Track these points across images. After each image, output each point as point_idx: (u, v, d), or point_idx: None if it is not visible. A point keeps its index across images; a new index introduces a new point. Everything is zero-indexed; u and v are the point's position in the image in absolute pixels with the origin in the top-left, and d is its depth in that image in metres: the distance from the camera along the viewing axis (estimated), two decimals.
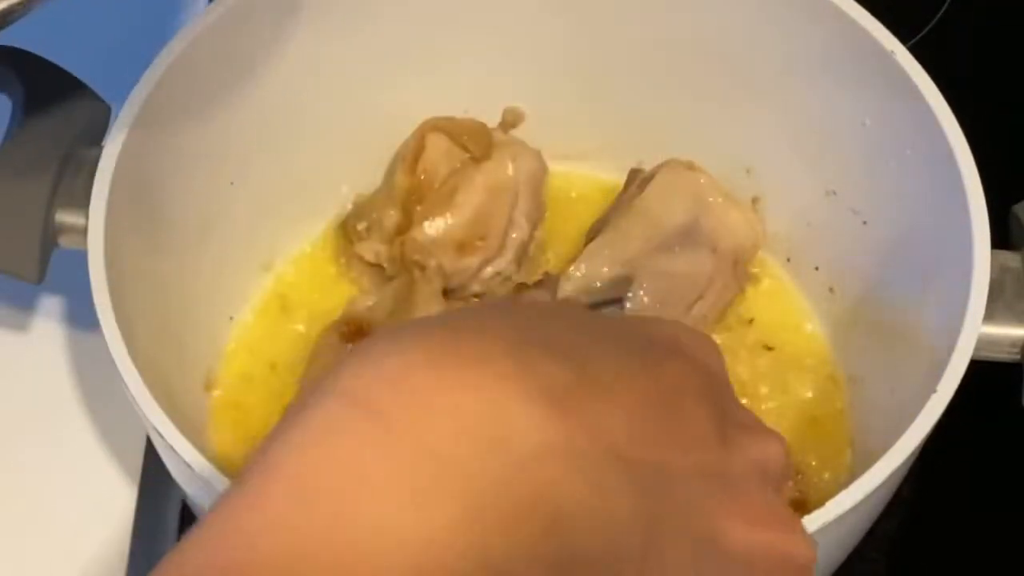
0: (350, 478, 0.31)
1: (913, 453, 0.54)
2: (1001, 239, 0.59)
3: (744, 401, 0.66)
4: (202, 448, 0.55)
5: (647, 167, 0.71)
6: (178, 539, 0.32)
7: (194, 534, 0.31)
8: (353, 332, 0.67)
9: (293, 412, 0.33)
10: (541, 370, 0.33)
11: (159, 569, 0.31)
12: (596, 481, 0.33)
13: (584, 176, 0.73)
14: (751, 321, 0.69)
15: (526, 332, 0.35)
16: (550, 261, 0.71)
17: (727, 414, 0.38)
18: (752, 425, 0.39)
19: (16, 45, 0.65)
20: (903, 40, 0.61)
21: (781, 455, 0.39)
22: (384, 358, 0.33)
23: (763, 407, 0.66)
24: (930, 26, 0.81)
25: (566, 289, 0.65)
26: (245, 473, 0.32)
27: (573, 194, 0.73)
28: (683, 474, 0.35)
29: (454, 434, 0.32)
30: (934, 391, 0.54)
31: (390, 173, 0.71)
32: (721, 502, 0.36)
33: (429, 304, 0.66)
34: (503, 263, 0.69)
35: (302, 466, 0.32)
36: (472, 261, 0.68)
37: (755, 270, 0.70)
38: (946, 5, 0.82)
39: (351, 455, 0.32)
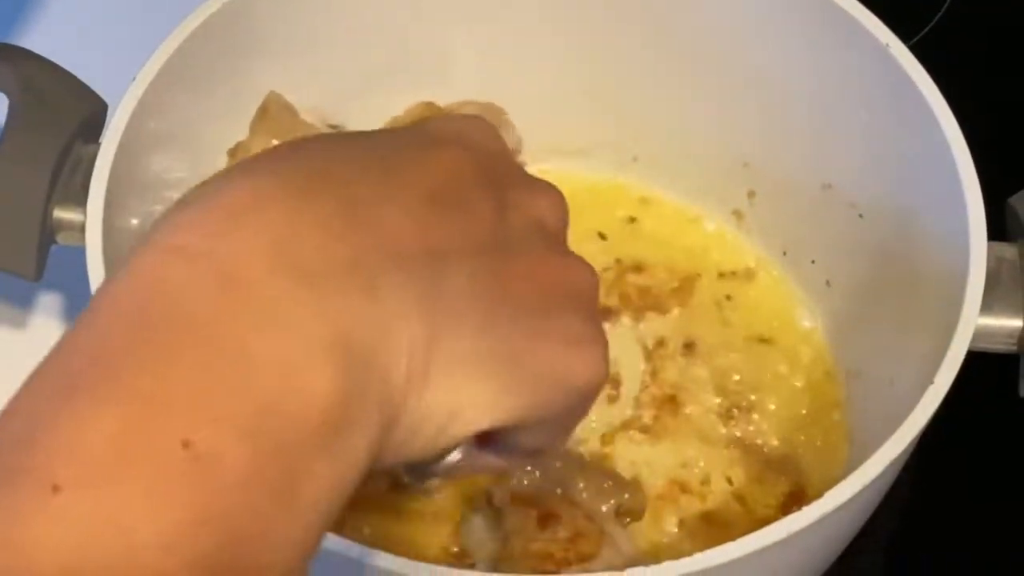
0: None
1: (911, 444, 0.54)
2: (997, 231, 0.59)
3: (747, 402, 0.67)
4: None
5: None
6: None
7: None
8: None
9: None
10: (327, 195, 0.37)
11: None
12: (376, 286, 0.36)
13: (579, 175, 0.73)
14: (748, 315, 0.69)
15: (307, 167, 0.38)
16: None
17: (504, 183, 0.42)
18: (528, 184, 0.43)
19: (16, 44, 0.66)
20: (903, 40, 0.61)
21: (557, 204, 0.44)
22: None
23: (760, 400, 0.66)
24: (930, 26, 0.81)
25: None
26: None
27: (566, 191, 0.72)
28: (463, 254, 0.39)
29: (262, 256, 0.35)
30: (931, 383, 0.54)
31: None
32: (503, 265, 0.40)
33: None
34: None
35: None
36: None
37: (752, 264, 0.70)
38: (946, 5, 0.82)
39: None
